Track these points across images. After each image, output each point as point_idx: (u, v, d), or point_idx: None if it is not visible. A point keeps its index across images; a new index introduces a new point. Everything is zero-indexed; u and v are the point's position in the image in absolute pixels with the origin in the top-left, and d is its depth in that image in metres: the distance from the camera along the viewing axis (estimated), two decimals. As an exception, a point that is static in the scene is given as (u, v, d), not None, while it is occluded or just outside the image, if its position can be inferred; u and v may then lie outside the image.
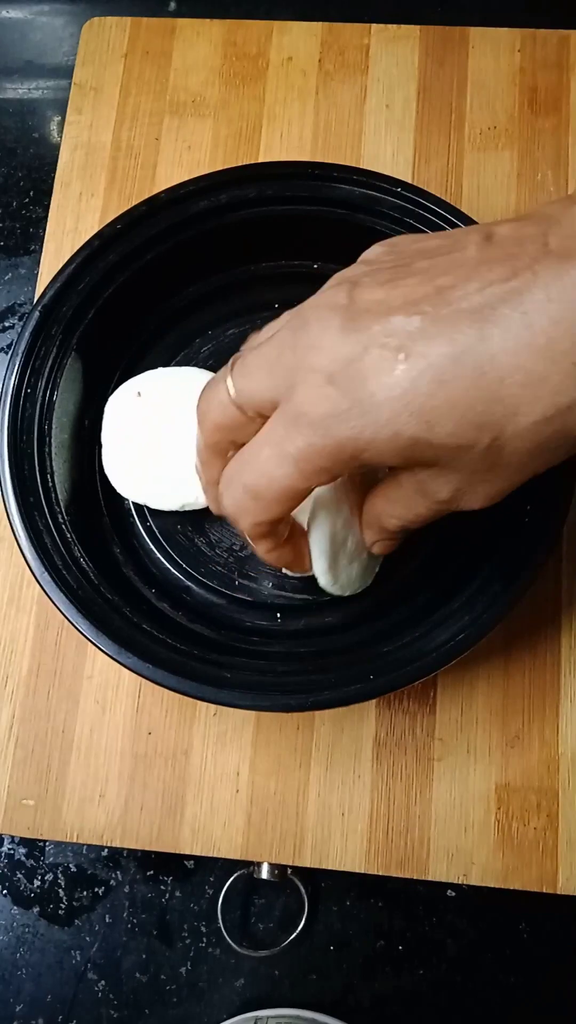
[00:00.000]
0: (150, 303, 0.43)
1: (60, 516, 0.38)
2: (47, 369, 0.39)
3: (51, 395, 0.39)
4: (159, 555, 0.41)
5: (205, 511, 0.40)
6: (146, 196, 0.41)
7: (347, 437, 0.25)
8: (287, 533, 0.32)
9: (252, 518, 0.29)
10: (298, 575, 0.39)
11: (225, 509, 0.29)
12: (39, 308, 0.39)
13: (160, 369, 0.42)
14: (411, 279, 0.25)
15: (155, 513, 0.41)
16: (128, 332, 0.43)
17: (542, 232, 0.24)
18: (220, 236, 0.42)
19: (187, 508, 0.40)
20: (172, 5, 0.55)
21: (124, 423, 0.40)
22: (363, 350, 0.24)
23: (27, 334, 0.38)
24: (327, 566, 0.34)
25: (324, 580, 0.34)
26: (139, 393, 0.41)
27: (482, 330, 0.23)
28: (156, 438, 0.40)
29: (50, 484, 0.38)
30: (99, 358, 0.41)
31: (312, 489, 0.28)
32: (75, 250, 0.40)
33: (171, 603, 0.40)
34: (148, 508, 0.41)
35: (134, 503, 0.42)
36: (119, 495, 0.41)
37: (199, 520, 0.41)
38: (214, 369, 0.42)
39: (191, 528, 0.41)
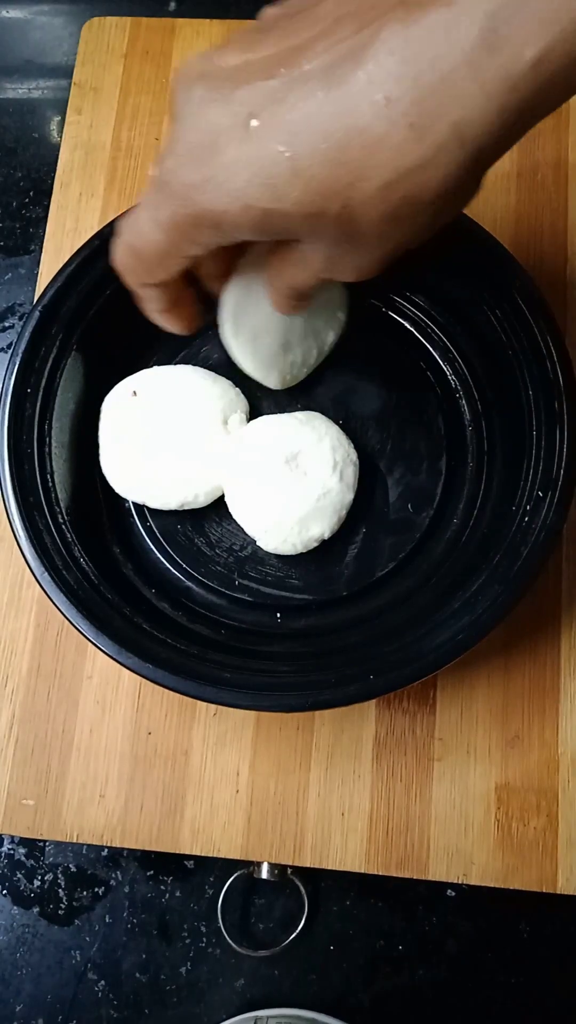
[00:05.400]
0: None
1: (60, 516, 0.38)
2: (47, 369, 0.39)
3: (51, 395, 0.39)
4: (159, 555, 0.41)
5: (205, 510, 0.40)
6: (146, 196, 0.41)
7: (204, 208, 0.25)
8: (176, 299, 0.32)
9: (136, 277, 0.30)
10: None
11: (114, 262, 0.30)
12: (39, 308, 0.39)
13: (155, 368, 0.42)
14: (270, 41, 0.24)
15: (155, 513, 0.41)
16: (129, 332, 0.42)
17: None
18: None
19: (187, 507, 0.40)
20: (172, 5, 0.55)
21: (121, 423, 0.40)
22: (220, 118, 0.24)
23: (27, 334, 0.38)
24: (253, 364, 0.40)
25: (256, 374, 0.40)
26: (135, 392, 0.41)
27: (327, 91, 0.22)
28: (154, 437, 0.40)
29: (50, 484, 0.38)
30: (100, 358, 0.41)
31: (189, 255, 0.28)
32: (75, 250, 0.40)
33: (171, 603, 0.40)
34: (148, 508, 0.41)
35: (134, 503, 0.42)
36: (119, 495, 0.41)
37: (199, 520, 0.41)
38: (214, 369, 0.42)
39: (191, 528, 0.41)
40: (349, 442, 0.40)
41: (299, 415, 0.40)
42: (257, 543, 0.39)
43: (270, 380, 0.41)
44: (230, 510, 0.40)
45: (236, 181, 0.24)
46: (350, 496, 0.39)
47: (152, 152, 0.49)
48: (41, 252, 0.48)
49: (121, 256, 0.30)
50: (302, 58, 0.23)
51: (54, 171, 0.49)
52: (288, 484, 0.38)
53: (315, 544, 0.39)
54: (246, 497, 0.39)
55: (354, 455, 0.40)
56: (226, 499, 0.40)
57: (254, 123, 0.23)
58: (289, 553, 0.39)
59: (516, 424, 0.39)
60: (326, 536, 0.39)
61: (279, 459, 0.38)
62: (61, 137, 0.50)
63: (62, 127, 0.51)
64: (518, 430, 0.39)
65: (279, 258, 0.29)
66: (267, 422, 0.40)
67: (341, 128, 0.22)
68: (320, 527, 0.39)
